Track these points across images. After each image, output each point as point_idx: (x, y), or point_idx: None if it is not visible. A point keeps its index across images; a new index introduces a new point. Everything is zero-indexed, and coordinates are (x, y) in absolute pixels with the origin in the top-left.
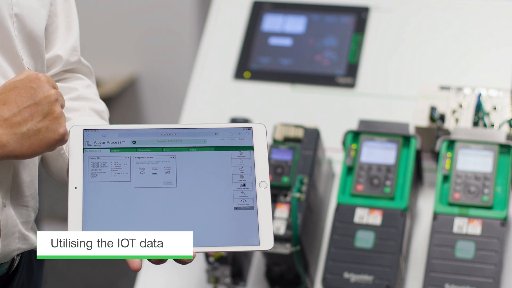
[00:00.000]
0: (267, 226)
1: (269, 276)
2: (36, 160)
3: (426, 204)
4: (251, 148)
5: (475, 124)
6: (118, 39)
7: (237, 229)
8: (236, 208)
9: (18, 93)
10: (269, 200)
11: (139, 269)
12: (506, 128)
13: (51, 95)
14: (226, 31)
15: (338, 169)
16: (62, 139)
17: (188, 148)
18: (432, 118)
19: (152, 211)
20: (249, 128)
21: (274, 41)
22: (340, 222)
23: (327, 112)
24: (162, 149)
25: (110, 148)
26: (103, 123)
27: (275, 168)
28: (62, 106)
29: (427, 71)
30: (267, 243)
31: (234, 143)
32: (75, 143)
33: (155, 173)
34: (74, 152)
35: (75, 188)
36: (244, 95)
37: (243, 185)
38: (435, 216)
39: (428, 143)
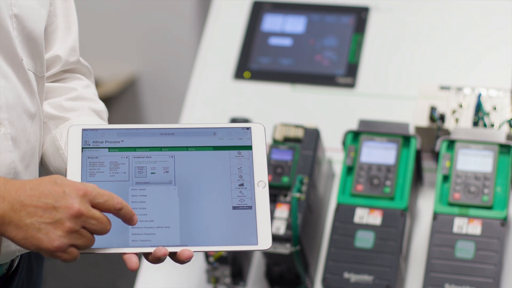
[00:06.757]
0: (266, 226)
1: (269, 276)
2: (37, 160)
3: (426, 204)
4: (249, 148)
5: (475, 124)
6: (118, 39)
7: (235, 229)
8: (234, 208)
9: (50, 189)
10: (268, 200)
11: (137, 269)
12: (506, 128)
13: (73, 209)
14: (226, 31)
15: (338, 169)
16: (53, 250)
17: (186, 148)
18: (432, 118)
19: (150, 211)
20: (248, 128)
21: (274, 41)
22: (340, 222)
23: (327, 112)
24: (160, 148)
25: (108, 148)
26: (102, 123)
27: (275, 168)
28: (92, 231)
29: (427, 71)
30: (265, 242)
31: (233, 143)
32: (73, 143)
33: (154, 173)
34: (72, 151)
35: None
36: (244, 95)
37: (242, 184)
38: (435, 216)
39: (428, 143)
